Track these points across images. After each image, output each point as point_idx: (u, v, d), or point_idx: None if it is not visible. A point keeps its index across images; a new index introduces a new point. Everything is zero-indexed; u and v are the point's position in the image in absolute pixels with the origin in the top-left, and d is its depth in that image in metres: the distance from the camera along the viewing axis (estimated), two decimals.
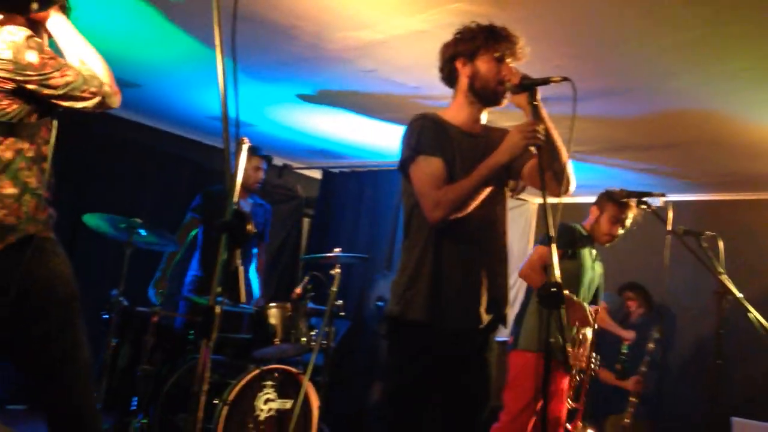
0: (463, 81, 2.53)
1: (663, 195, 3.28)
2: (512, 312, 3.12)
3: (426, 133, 2.46)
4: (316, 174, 7.10)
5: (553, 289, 2.05)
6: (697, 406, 4.81)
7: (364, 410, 5.67)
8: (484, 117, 2.59)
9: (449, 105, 2.60)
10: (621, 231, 3.84)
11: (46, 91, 2.09)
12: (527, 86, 2.30)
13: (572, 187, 2.47)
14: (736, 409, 3.78)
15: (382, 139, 5.59)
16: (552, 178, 2.44)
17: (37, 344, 2.08)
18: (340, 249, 4.45)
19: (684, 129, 4.32)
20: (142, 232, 3.85)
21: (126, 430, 3.80)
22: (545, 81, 2.25)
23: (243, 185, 4.76)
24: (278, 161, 6.91)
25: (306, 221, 7.19)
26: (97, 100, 2.20)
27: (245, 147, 1.65)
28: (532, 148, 2.31)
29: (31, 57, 2.04)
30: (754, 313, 2.97)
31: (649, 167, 5.34)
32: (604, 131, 4.57)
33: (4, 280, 1.95)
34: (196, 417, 1.44)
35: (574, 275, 3.74)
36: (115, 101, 2.27)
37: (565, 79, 2.18)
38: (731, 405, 3.98)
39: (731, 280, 3.19)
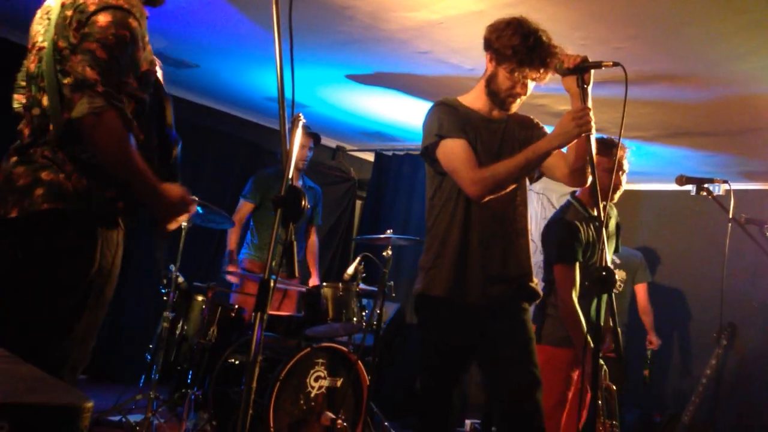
0: (487, 71, 2.57)
1: (725, 182, 3.17)
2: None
3: (447, 117, 2.51)
4: (369, 156, 7.12)
5: (603, 273, 2.04)
6: (759, 398, 4.71)
7: (412, 392, 5.71)
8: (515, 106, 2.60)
9: (474, 88, 2.63)
10: (624, 177, 3.41)
11: None
12: (578, 70, 2.26)
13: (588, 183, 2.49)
14: None
15: None
16: (570, 173, 2.50)
17: None
18: (392, 231, 4.48)
19: (747, 115, 4.19)
20: (200, 209, 3.93)
21: (182, 401, 3.91)
22: (597, 65, 2.21)
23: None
24: (331, 143, 6.96)
25: (358, 203, 7.24)
26: None
27: (301, 124, 1.67)
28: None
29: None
30: None
31: (710, 154, 5.20)
32: (663, 116, 4.46)
33: None
34: (250, 387, 1.48)
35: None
36: None
37: (616, 64, 2.13)
38: None
39: None
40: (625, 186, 3.50)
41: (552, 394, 3.43)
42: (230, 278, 4.56)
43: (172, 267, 3.92)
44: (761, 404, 5.00)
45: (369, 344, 4.45)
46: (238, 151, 6.26)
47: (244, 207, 4.78)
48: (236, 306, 4.35)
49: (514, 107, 2.57)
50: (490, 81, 2.53)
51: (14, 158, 1.95)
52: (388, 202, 6.52)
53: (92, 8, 1.86)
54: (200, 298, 4.12)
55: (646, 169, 5.70)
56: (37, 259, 1.85)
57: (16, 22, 4.53)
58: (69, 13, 1.89)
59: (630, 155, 3.42)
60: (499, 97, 2.53)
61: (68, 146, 1.91)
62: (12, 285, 1.85)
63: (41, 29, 1.99)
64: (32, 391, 0.99)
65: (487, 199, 2.43)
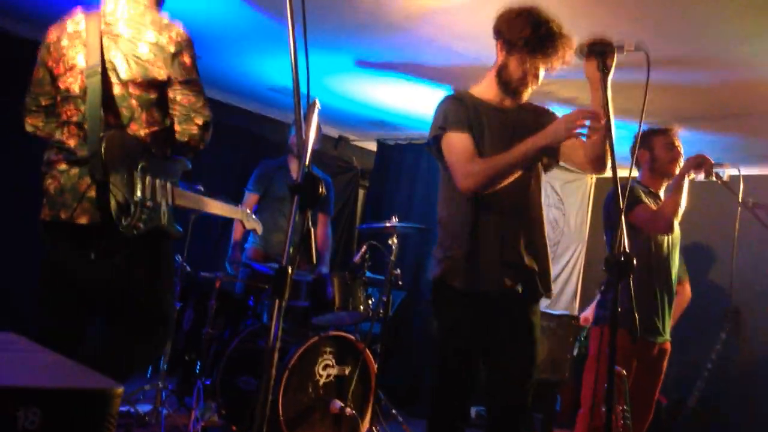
0: (498, 61, 2.56)
1: (735, 166, 3.14)
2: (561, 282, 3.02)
3: (453, 111, 2.52)
4: (372, 146, 7.11)
5: (621, 259, 2.03)
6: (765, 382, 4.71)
7: (419, 380, 5.72)
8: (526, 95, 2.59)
9: (484, 77, 2.63)
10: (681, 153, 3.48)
11: None
12: (597, 52, 2.24)
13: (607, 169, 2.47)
14: None
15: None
16: (588, 162, 2.49)
17: None
18: (397, 219, 4.47)
19: (755, 98, 4.17)
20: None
21: (190, 391, 3.92)
22: (618, 48, 2.20)
23: (295, 152, 4.80)
24: (334, 133, 6.94)
25: (361, 193, 7.24)
26: None
27: (317, 110, 1.67)
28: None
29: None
30: None
31: (718, 138, 5.18)
32: (670, 101, 4.44)
33: None
34: (269, 373, 1.48)
35: (658, 244, 3.42)
36: None
37: (638, 48, 2.12)
38: None
39: None
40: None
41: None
42: (235, 268, 4.56)
43: (179, 257, 3.92)
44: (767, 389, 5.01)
45: (376, 332, 4.46)
46: (241, 143, 6.24)
47: (250, 199, 4.76)
48: (243, 296, 4.37)
49: (526, 96, 2.57)
50: (501, 70, 2.52)
51: (76, 168, 2.20)
52: (390, 191, 6.52)
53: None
54: (207, 288, 4.11)
55: None
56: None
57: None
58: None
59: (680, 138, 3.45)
60: (510, 86, 2.52)
61: None
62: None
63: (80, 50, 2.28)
64: (62, 378, 0.99)
65: (482, 191, 2.42)
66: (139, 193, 2.10)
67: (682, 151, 3.49)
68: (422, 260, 5.91)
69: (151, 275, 2.22)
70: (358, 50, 4.42)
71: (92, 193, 2.11)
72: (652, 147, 3.48)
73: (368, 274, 4.28)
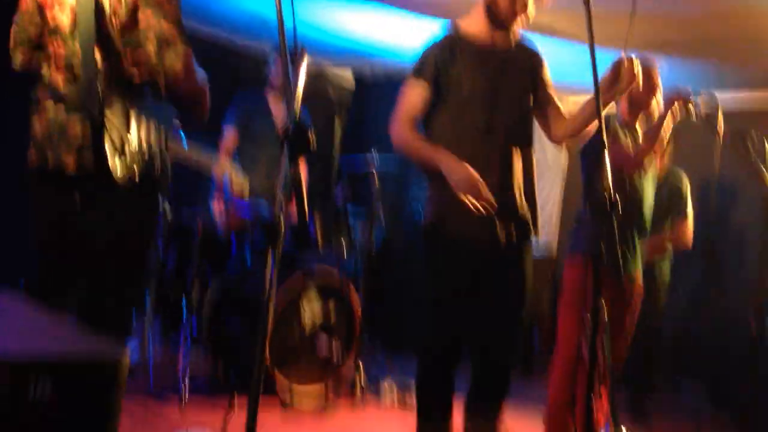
0: None
1: (711, 95, 3.11)
2: (541, 218, 3.03)
3: (424, 57, 2.54)
4: (349, 75, 6.99)
5: (606, 198, 2.05)
6: (739, 314, 4.85)
7: (402, 314, 5.82)
8: (516, 34, 2.58)
9: (473, 10, 2.59)
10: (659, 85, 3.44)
11: None
12: None
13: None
14: None
15: (419, 40, 5.45)
16: (552, 138, 2.69)
17: None
18: (376, 151, 4.45)
19: (737, 26, 4.16)
20: (184, 139, 3.85)
21: (176, 333, 3.94)
22: None
23: (275, 88, 4.70)
24: (309, 61, 6.79)
25: (338, 123, 7.14)
26: None
27: (305, 61, 1.63)
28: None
29: None
30: None
31: (697, 66, 5.18)
32: (650, 29, 4.39)
33: None
34: (266, 325, 1.49)
35: (632, 183, 3.41)
36: None
37: None
38: None
39: None
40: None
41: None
42: (214, 205, 4.49)
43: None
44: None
45: (359, 268, 4.50)
46: (216, 78, 6.06)
47: (230, 134, 4.66)
48: (225, 235, 4.34)
49: (516, 29, 2.52)
50: (490, 8, 2.48)
51: (63, 109, 2.08)
52: (368, 123, 6.48)
53: None
54: (189, 229, 4.09)
55: None
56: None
57: None
58: None
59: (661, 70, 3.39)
60: (498, 17, 2.48)
61: None
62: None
63: None
64: (73, 347, 1.00)
65: None
66: (135, 139, 2.04)
67: (660, 84, 3.47)
68: (402, 193, 5.93)
69: (140, 226, 2.19)
70: None
71: (83, 136, 2.04)
72: None
73: (350, 208, 4.29)
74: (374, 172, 4.28)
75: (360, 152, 5.45)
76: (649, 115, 3.45)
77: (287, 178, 1.50)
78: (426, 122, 2.57)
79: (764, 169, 3.01)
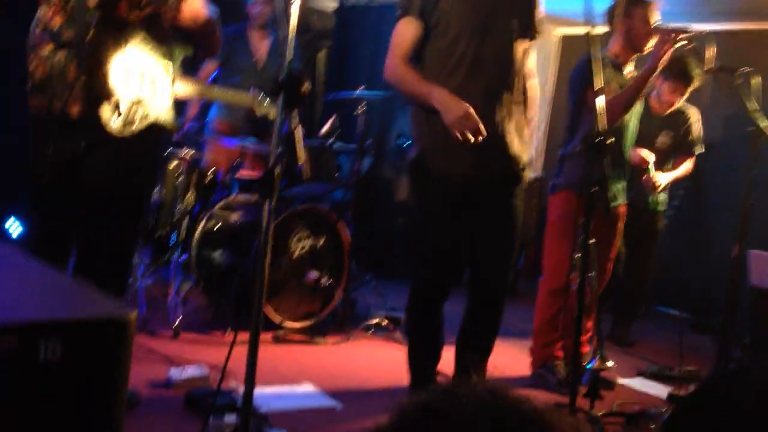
0: None
1: (698, 32, 3.08)
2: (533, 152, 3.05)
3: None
4: (332, 4, 6.83)
5: (599, 138, 2.07)
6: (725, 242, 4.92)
7: (389, 243, 5.88)
8: None
9: None
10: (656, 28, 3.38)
11: None
12: None
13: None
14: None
15: None
16: None
17: None
18: (363, 87, 4.41)
19: None
20: None
21: (165, 265, 3.98)
22: None
23: (255, 23, 4.62)
24: None
25: (321, 54, 7.03)
26: None
27: (296, 3, 1.60)
28: None
29: None
30: None
31: None
32: None
33: None
34: (262, 279, 1.51)
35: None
36: None
37: None
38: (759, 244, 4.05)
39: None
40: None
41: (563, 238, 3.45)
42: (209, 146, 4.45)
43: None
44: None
45: (346, 200, 4.53)
46: None
47: (208, 66, 4.60)
48: (212, 168, 4.33)
49: None
50: None
51: (62, 52, 2.02)
52: (353, 55, 6.38)
53: None
54: (175, 163, 4.07)
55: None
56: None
57: None
58: None
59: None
60: None
61: None
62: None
63: None
64: (81, 306, 1.01)
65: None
66: (131, 89, 1.99)
67: (657, 28, 3.40)
68: (387, 125, 5.90)
69: (144, 170, 2.17)
70: None
71: (82, 82, 2.00)
72: (632, 17, 3.37)
73: (337, 143, 4.28)
74: (362, 107, 4.26)
75: (346, 86, 5.40)
76: (642, 55, 3.44)
77: (282, 129, 1.49)
78: (418, 56, 2.54)
79: (750, 105, 3.01)
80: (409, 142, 5.59)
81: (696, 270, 5.02)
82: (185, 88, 2.20)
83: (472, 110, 2.36)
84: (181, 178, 4.02)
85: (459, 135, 2.34)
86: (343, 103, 4.71)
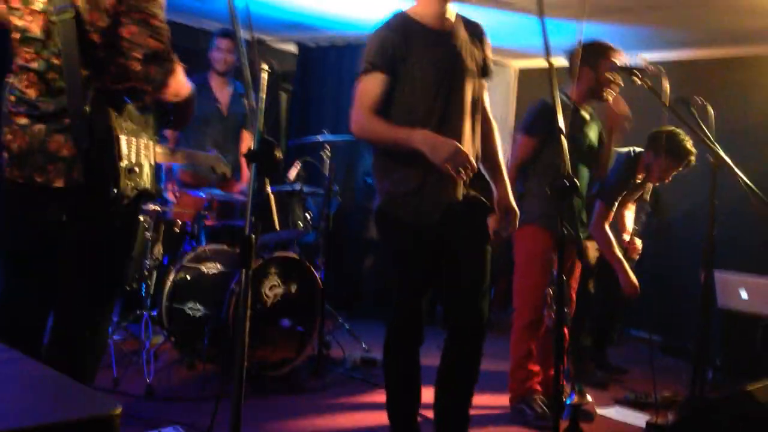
0: None
1: (657, 68, 3.17)
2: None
3: (375, 46, 2.50)
4: (292, 48, 6.89)
5: (565, 182, 2.10)
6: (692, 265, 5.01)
7: (359, 282, 5.88)
8: (453, 9, 2.59)
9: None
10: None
11: None
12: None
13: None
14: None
15: (361, 11, 5.40)
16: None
17: None
18: (327, 131, 4.45)
19: None
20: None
21: (136, 321, 3.91)
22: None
23: (217, 71, 4.65)
24: (249, 36, 6.62)
25: (284, 96, 7.07)
26: None
27: (265, 74, 1.61)
28: None
29: None
30: (742, 178, 3.00)
31: (643, 28, 5.26)
32: None
33: None
34: (243, 339, 1.50)
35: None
36: None
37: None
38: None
39: (722, 146, 3.24)
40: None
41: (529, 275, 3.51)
42: (169, 195, 4.45)
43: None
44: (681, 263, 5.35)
45: (316, 243, 4.52)
46: None
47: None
48: (179, 221, 4.31)
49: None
50: None
51: (41, 125, 1.97)
52: (316, 96, 6.41)
53: None
54: (142, 218, 4.03)
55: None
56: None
57: None
58: None
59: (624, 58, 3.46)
60: None
61: None
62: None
63: None
64: (59, 405, 0.98)
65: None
66: (125, 160, 1.96)
67: (618, 80, 3.52)
68: (353, 165, 5.93)
69: (126, 237, 2.14)
70: None
71: (67, 154, 1.95)
72: (597, 68, 3.48)
73: (305, 188, 4.28)
74: (328, 152, 4.30)
75: (310, 129, 5.42)
76: (600, 101, 3.55)
77: (256, 198, 1.49)
78: (384, 110, 2.55)
79: (705, 133, 3.10)
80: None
81: (664, 292, 5.09)
82: (158, 154, 2.18)
83: (459, 145, 2.38)
84: (149, 233, 3.98)
85: (453, 171, 2.35)
86: (308, 147, 4.73)
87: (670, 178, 4.04)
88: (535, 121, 3.50)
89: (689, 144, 3.91)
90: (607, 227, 3.86)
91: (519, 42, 5.71)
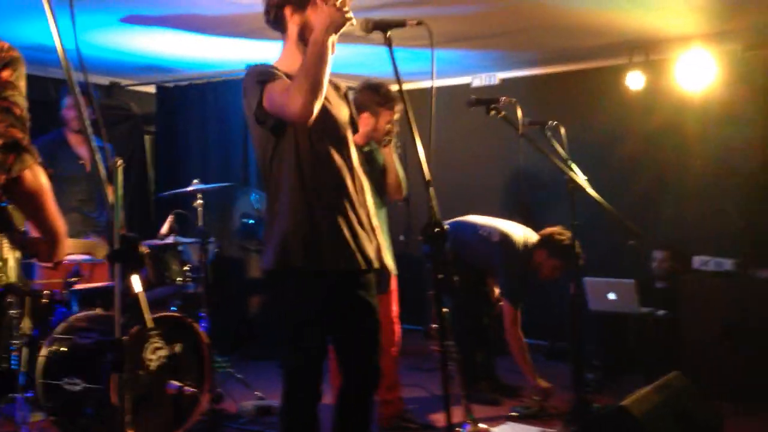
0: (293, 29, 2.46)
1: (511, 100, 3.29)
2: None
3: (263, 71, 2.38)
4: (150, 89, 6.68)
5: (437, 229, 2.17)
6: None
7: (244, 324, 5.80)
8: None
9: (281, 54, 2.53)
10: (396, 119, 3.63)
11: None
12: (380, 28, 2.29)
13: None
14: None
15: (218, 52, 5.34)
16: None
17: None
18: (199, 180, 4.34)
19: (518, 18, 4.51)
20: None
21: (11, 400, 3.65)
22: (401, 23, 2.26)
23: (73, 130, 4.41)
24: (104, 80, 6.38)
25: (147, 139, 6.82)
26: None
27: (119, 169, 1.56)
28: None
29: None
30: (594, 195, 3.17)
31: (492, 52, 5.54)
32: (442, 26, 4.62)
33: None
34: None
35: None
36: None
37: (419, 23, 2.22)
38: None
39: (573, 153, 3.45)
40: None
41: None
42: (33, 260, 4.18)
43: None
44: None
45: (198, 293, 4.40)
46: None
47: None
48: (45, 291, 4.06)
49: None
50: (304, 32, 2.40)
51: None
52: (181, 140, 6.26)
53: None
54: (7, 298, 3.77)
55: (426, 69, 5.93)
56: None
57: None
58: None
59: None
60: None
61: None
62: None
63: None
64: None
65: (314, 113, 2.26)
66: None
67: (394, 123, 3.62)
68: (228, 207, 5.84)
69: None
70: (122, 8, 4.09)
71: None
72: (378, 116, 3.57)
73: (179, 239, 4.17)
74: (200, 201, 4.21)
75: (177, 175, 5.27)
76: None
77: (122, 295, 1.44)
78: (275, 146, 2.44)
79: (559, 157, 3.29)
80: (252, 221, 5.59)
81: (544, 298, 5.28)
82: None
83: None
84: (13, 310, 3.71)
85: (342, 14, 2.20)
86: (179, 198, 4.60)
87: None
88: None
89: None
90: (519, 330, 4.08)
91: (377, 69, 5.84)
